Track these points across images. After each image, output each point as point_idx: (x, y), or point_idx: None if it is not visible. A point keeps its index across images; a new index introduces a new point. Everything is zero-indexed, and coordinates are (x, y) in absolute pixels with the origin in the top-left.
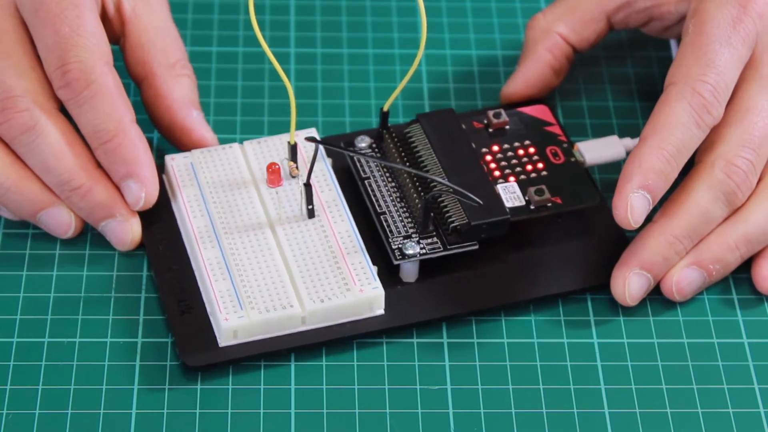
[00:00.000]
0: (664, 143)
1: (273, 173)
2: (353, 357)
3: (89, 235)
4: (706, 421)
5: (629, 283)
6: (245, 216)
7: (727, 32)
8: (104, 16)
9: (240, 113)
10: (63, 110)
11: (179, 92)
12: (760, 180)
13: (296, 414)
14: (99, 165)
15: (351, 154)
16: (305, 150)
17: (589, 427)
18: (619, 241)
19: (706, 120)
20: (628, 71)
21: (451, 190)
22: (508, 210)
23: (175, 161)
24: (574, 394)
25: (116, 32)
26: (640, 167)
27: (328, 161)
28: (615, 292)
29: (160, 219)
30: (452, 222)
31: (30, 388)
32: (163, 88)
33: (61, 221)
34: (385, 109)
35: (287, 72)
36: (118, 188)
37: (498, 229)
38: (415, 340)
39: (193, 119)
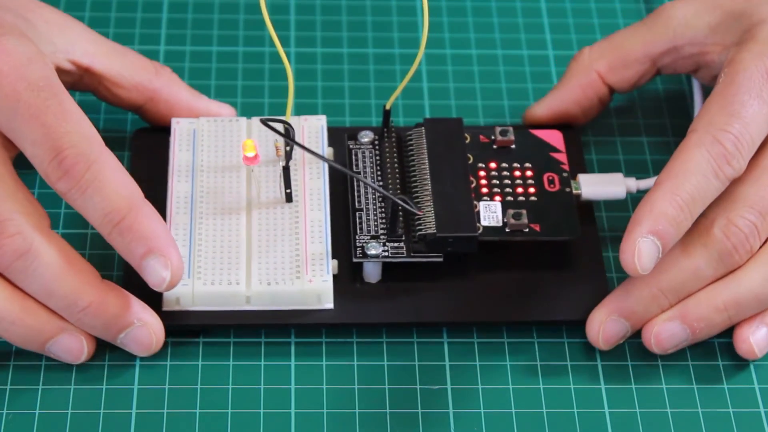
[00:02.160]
0: (679, 189)
1: (250, 150)
2: (353, 357)
3: (89, 235)
4: (706, 421)
5: (605, 327)
6: (227, 190)
7: (758, 84)
8: (61, 74)
9: (240, 112)
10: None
11: (183, 91)
12: (762, 245)
13: (296, 414)
14: (102, 278)
15: (303, 148)
16: (309, 135)
17: (589, 427)
18: (598, 281)
19: (725, 171)
20: None
21: (387, 197)
22: (481, 228)
23: (179, 125)
24: (574, 393)
25: (85, 83)
26: (651, 212)
27: (329, 150)
28: (589, 333)
29: (153, 178)
30: (420, 230)
31: (30, 388)
32: (171, 98)
33: (73, 347)
34: (388, 107)
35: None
36: (127, 293)
37: (465, 245)
38: (415, 340)
39: (207, 103)
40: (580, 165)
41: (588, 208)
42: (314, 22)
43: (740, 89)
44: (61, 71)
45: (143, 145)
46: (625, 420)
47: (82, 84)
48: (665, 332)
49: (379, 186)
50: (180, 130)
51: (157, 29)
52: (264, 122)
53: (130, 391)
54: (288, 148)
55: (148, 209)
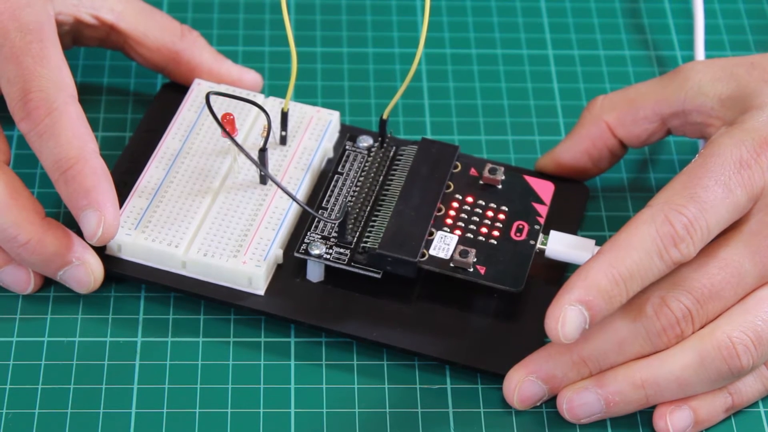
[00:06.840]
0: (618, 263)
1: (227, 124)
2: (353, 357)
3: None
4: None
5: (521, 387)
6: (211, 161)
7: (728, 172)
8: (86, 29)
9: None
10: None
11: (206, 54)
12: (695, 332)
13: (296, 413)
14: (46, 215)
15: (234, 142)
16: (315, 126)
17: (588, 426)
18: (534, 342)
19: (671, 253)
20: None
21: (298, 202)
22: (426, 256)
23: (200, 86)
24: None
25: (112, 40)
26: (584, 280)
27: (327, 146)
28: (505, 391)
29: (160, 132)
30: (366, 242)
31: (30, 387)
32: (191, 59)
33: (20, 279)
34: (385, 116)
35: (287, 71)
36: (68, 232)
37: (404, 268)
38: None
39: (230, 67)
40: (574, 221)
41: (559, 268)
42: (314, 22)
43: (707, 173)
44: (85, 25)
45: (165, 100)
46: None
47: (110, 41)
48: (578, 400)
49: (356, 190)
50: (198, 91)
51: None
52: (207, 96)
53: (130, 391)
54: (278, 132)
55: (97, 164)
